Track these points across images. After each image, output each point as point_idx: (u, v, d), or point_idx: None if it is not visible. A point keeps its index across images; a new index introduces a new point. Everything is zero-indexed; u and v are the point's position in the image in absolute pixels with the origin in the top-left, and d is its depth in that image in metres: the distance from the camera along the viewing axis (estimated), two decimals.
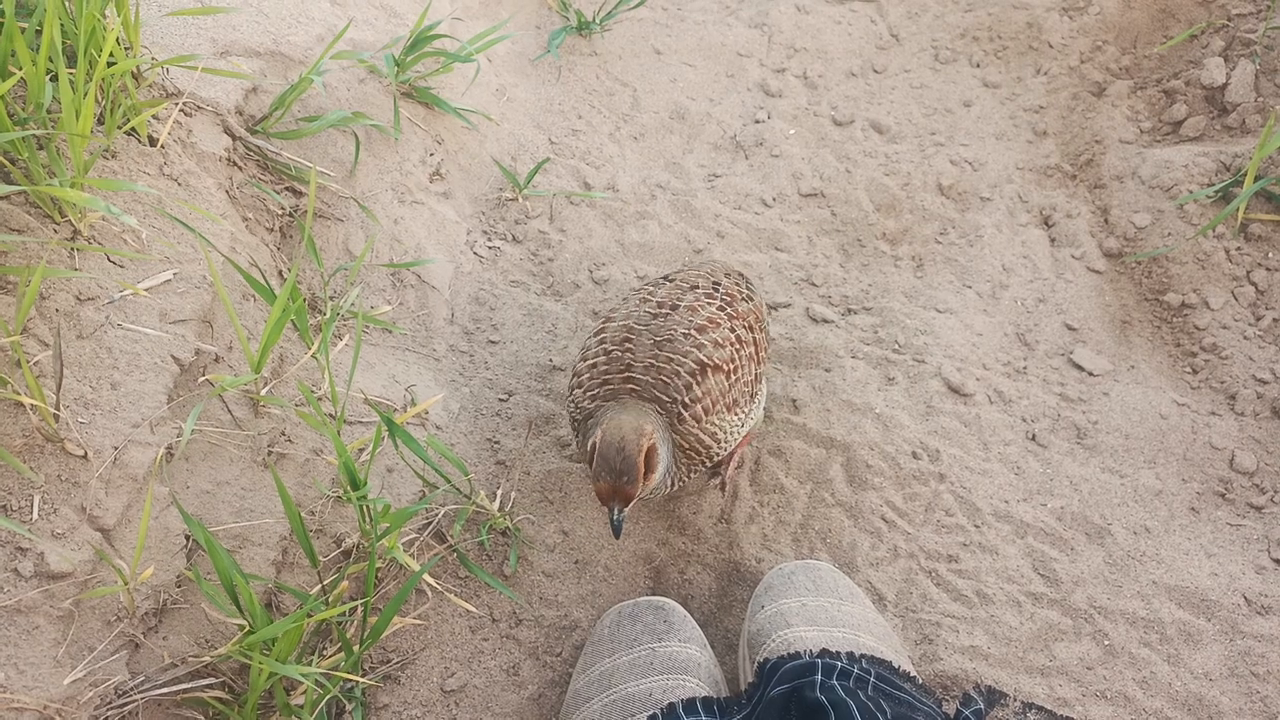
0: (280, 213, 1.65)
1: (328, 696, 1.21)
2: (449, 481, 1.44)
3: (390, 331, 1.69)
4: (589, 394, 1.35)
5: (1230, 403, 1.76)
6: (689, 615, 1.34)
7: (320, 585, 1.29)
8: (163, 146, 1.44)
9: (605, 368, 1.36)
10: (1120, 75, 2.28)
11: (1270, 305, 1.84)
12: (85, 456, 1.15)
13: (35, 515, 1.09)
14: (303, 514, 1.33)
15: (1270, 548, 1.56)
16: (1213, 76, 2.11)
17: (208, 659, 1.16)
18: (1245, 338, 1.81)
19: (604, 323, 1.43)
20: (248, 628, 1.15)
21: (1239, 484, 1.65)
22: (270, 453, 1.37)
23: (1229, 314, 1.85)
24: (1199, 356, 1.83)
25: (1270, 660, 1.43)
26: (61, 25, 1.29)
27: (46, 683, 1.04)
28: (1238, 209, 1.88)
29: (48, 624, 1.07)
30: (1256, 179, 1.87)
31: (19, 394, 1.11)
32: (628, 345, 1.36)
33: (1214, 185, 1.94)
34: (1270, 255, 1.88)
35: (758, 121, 2.25)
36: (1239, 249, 1.90)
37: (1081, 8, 2.37)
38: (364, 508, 1.31)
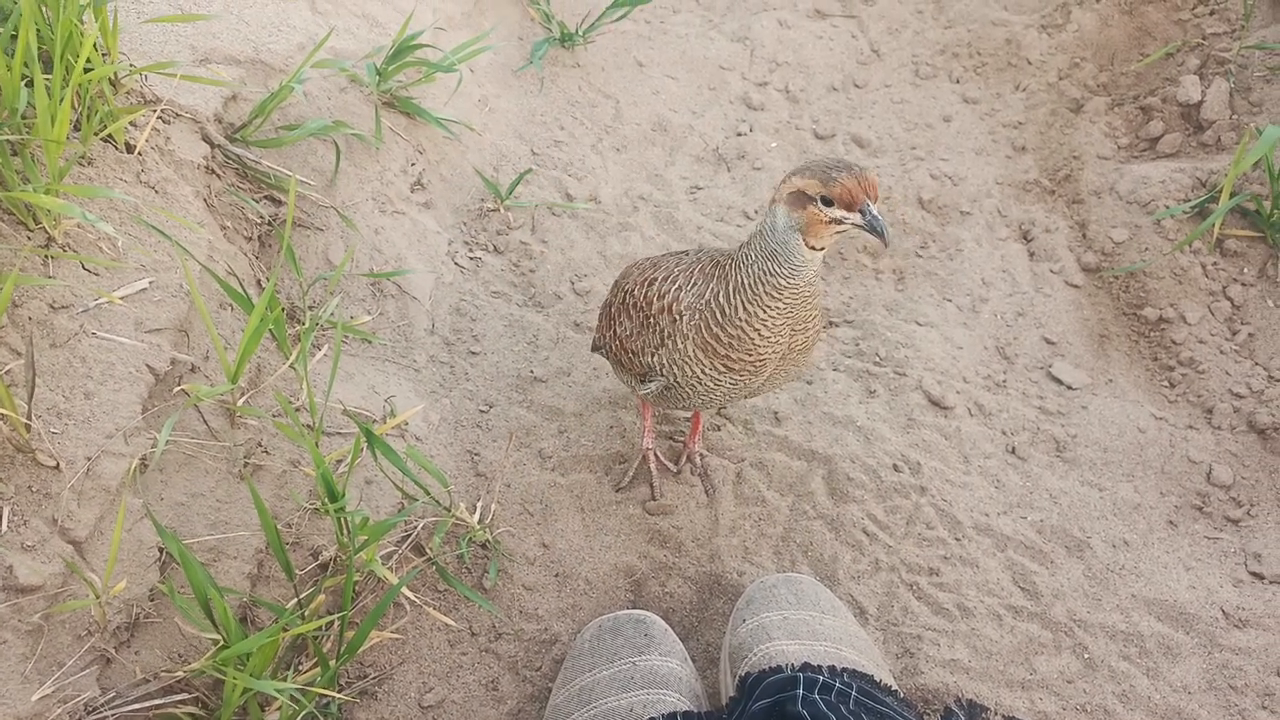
0: (259, 221, 1.63)
1: (303, 713, 1.19)
2: (428, 494, 1.43)
3: (370, 342, 1.68)
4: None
5: (1207, 416, 1.77)
6: (670, 629, 1.33)
7: (296, 599, 1.27)
8: (140, 154, 1.43)
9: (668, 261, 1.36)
10: (1098, 92, 2.31)
11: (1246, 320, 1.86)
12: (57, 467, 1.13)
13: (4, 527, 1.07)
14: (279, 526, 1.31)
15: (1248, 561, 1.57)
16: (1189, 94, 2.14)
17: (181, 674, 1.14)
18: (1222, 352, 1.83)
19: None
20: (222, 642, 1.14)
21: (1216, 497, 1.66)
22: (247, 464, 1.35)
23: (1206, 328, 1.86)
24: (1176, 370, 1.84)
25: (1248, 673, 1.44)
26: (38, 30, 1.27)
27: (14, 700, 1.01)
28: (1214, 225, 1.90)
29: (16, 639, 1.04)
30: (1232, 195, 1.89)
31: None
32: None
33: (1190, 201, 1.96)
34: (1245, 270, 1.90)
35: (740, 134, 2.25)
36: (1215, 264, 1.92)
37: (1060, 25, 2.40)
38: (342, 520, 1.30)
